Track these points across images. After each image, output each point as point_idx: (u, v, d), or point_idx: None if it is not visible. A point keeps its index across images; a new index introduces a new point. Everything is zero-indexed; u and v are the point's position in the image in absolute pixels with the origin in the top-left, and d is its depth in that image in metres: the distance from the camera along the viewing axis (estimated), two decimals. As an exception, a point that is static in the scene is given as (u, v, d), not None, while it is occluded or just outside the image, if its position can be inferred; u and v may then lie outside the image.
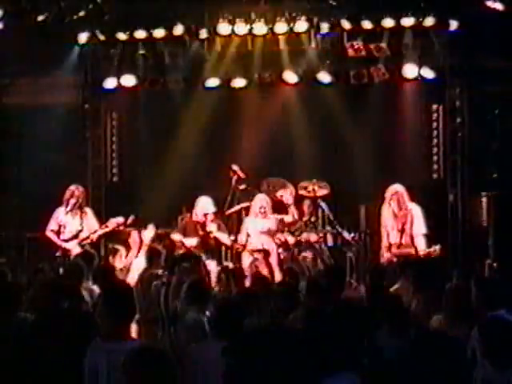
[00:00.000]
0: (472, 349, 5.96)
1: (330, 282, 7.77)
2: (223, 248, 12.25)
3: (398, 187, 11.51)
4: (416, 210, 11.43)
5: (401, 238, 11.32)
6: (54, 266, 10.33)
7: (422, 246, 11.24)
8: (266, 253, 11.41)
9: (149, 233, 11.67)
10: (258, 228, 11.77)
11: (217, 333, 5.78)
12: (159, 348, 4.06)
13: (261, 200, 11.86)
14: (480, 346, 5.51)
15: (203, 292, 7.48)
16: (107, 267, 9.31)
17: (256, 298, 7.30)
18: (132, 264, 11.10)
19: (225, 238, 11.99)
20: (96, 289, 8.25)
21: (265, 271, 10.85)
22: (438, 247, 11.18)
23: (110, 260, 11.06)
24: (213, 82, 13.45)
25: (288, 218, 12.17)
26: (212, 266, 10.91)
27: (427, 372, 5.01)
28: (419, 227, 11.35)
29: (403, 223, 11.33)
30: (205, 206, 11.84)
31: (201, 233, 11.80)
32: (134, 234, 11.78)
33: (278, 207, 12.23)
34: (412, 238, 11.32)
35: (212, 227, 11.81)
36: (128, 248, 11.70)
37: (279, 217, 12.03)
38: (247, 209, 12.34)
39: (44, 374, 5.49)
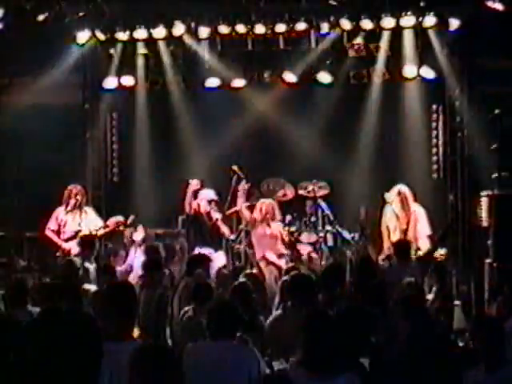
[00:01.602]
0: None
1: (330, 281, 7.76)
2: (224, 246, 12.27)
3: (402, 187, 11.48)
4: (420, 211, 11.40)
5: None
6: (44, 266, 10.35)
7: (426, 247, 11.23)
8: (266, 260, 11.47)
9: (138, 234, 11.70)
10: (263, 234, 11.77)
11: (212, 333, 5.77)
12: (165, 346, 4.01)
13: (267, 206, 11.80)
14: (473, 347, 5.52)
15: (205, 292, 7.49)
16: (108, 267, 9.29)
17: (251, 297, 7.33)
18: (133, 264, 11.15)
19: (226, 230, 12.01)
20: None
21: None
22: (444, 251, 11.20)
23: (111, 260, 11.08)
24: (213, 82, 13.45)
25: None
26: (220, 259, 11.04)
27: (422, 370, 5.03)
28: (423, 228, 11.32)
29: (406, 224, 11.29)
30: (208, 194, 11.85)
31: (209, 223, 11.84)
32: (128, 234, 11.82)
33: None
34: (415, 239, 11.29)
35: (218, 215, 11.84)
36: (126, 248, 11.73)
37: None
38: (247, 208, 12.37)
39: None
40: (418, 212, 11.39)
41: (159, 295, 8.49)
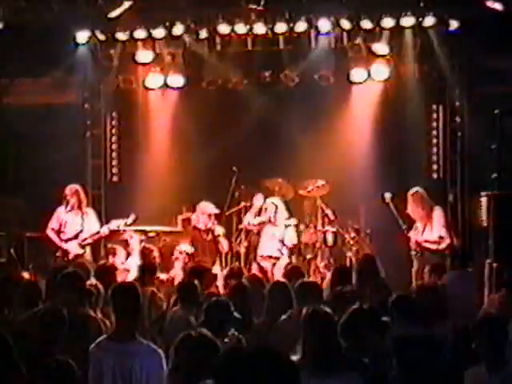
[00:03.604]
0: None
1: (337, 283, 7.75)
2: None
3: (419, 189, 11.52)
4: (438, 212, 11.42)
5: (421, 235, 11.37)
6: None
7: (440, 246, 11.28)
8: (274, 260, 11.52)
9: (135, 241, 11.72)
10: (270, 234, 11.79)
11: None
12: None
13: (270, 205, 11.90)
14: (474, 347, 5.52)
15: (192, 293, 7.52)
16: (109, 267, 9.25)
17: (247, 298, 7.33)
18: (131, 265, 11.14)
19: (225, 245, 12.06)
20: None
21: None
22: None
23: (109, 260, 11.07)
24: (212, 82, 13.45)
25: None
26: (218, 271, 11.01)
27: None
28: (438, 228, 11.35)
29: (425, 223, 11.34)
30: (207, 207, 11.88)
31: (209, 238, 11.85)
32: (127, 236, 11.81)
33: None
34: (430, 237, 11.34)
35: (220, 230, 11.87)
36: (127, 249, 11.72)
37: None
38: (247, 208, 12.39)
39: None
40: (437, 213, 11.42)
41: (150, 293, 8.48)
